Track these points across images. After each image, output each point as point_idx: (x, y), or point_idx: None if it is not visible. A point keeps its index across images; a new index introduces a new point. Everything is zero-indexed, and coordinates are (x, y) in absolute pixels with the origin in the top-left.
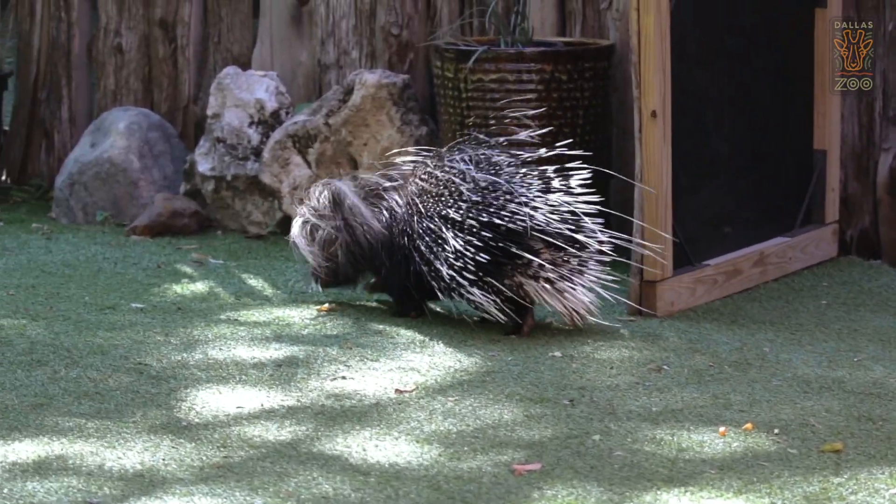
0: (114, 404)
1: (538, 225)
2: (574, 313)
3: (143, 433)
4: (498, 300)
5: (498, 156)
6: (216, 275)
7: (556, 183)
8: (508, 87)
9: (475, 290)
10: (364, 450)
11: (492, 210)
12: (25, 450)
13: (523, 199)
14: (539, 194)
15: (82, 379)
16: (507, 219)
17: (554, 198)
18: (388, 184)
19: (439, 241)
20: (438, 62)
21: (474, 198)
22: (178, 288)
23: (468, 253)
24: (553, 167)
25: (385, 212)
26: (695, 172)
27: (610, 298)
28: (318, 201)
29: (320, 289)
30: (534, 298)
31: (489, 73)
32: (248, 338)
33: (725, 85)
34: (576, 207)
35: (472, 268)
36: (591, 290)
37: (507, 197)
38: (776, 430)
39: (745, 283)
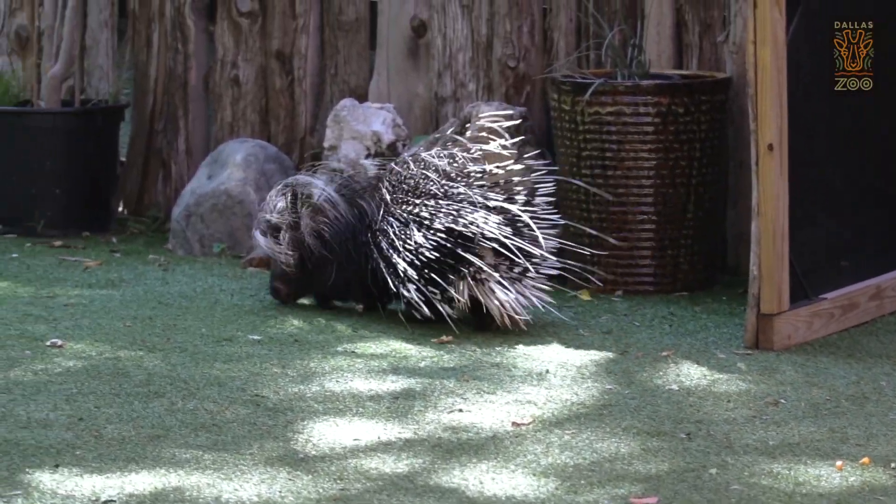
0: (230, 436)
1: (488, 231)
2: (506, 316)
3: (259, 465)
4: (438, 297)
5: (463, 160)
6: (333, 307)
7: (519, 195)
8: (625, 120)
9: (411, 287)
10: (481, 483)
11: (452, 213)
12: (143, 481)
13: (480, 204)
14: (497, 202)
15: (199, 411)
16: (461, 223)
17: (513, 208)
18: (357, 186)
19: (401, 237)
20: (555, 95)
21: (440, 199)
22: (295, 320)
23: (422, 249)
24: (519, 179)
25: (356, 209)
26: (811, 205)
27: (539, 307)
28: (277, 202)
29: (285, 301)
30: (477, 298)
31: (606, 106)
32: (365, 370)
33: (842, 116)
34: (530, 219)
35: (418, 264)
36: (525, 297)
37: (469, 201)
38: (893, 465)
39: (862, 317)
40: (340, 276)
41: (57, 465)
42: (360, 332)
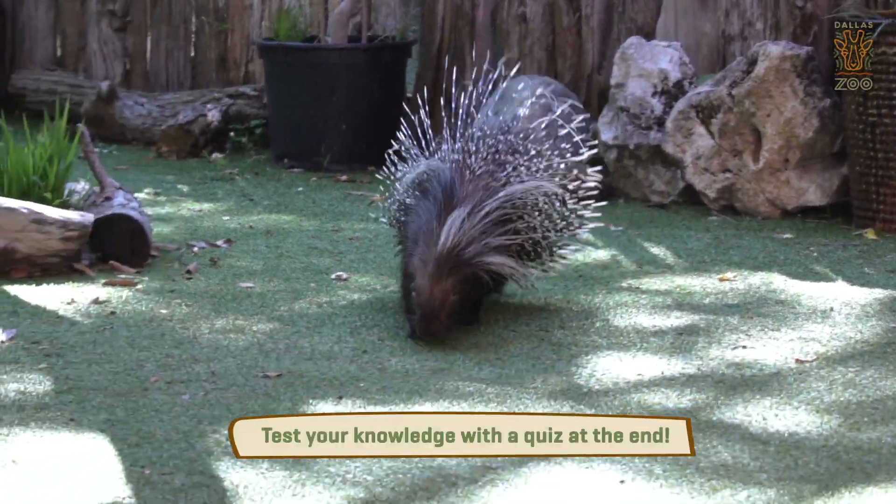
0: (514, 370)
1: None
2: None
3: (543, 399)
4: None
5: None
6: (617, 243)
7: None
8: None
9: None
10: (764, 419)
11: None
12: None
13: None
14: None
15: (483, 344)
16: None
17: None
18: None
19: None
20: (842, 34)
21: None
22: (579, 255)
23: None
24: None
25: None
26: None
27: None
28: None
29: None
30: None
31: (893, 46)
32: (649, 306)
33: None
34: None
35: None
36: None
37: None
38: None
39: None
40: None
41: (340, 397)
42: (645, 267)
